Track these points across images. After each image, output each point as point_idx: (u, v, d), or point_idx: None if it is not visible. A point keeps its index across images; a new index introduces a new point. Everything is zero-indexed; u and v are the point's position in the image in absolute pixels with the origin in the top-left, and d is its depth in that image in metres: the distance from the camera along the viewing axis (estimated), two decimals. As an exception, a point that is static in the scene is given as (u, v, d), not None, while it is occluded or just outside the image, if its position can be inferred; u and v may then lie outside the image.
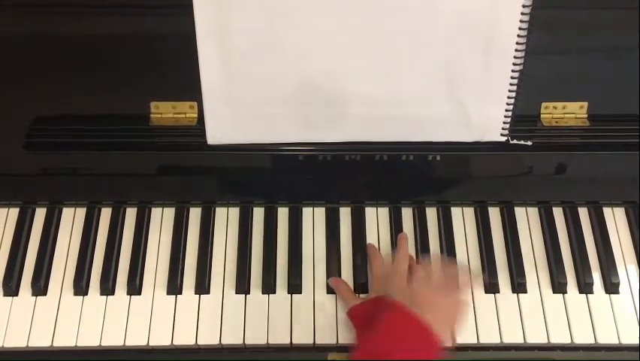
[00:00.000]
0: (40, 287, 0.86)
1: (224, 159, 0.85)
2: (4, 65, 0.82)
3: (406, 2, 0.73)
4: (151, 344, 0.83)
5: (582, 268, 0.88)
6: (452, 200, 0.93)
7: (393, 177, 0.88)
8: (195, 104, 0.84)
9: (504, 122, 0.81)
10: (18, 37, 0.80)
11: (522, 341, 0.83)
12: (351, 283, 0.87)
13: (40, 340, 0.83)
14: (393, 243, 0.90)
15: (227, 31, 0.75)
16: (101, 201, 0.92)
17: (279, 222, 0.92)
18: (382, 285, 0.82)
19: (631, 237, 0.91)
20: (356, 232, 0.91)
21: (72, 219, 0.92)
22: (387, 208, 0.93)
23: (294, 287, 0.86)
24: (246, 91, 0.79)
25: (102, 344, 0.83)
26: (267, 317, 0.84)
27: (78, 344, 0.82)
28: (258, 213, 0.92)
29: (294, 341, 0.83)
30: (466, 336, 0.83)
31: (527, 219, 0.92)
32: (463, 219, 0.92)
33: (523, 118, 0.83)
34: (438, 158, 0.85)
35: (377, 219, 0.92)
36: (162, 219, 0.92)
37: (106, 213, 0.92)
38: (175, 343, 0.83)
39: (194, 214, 0.92)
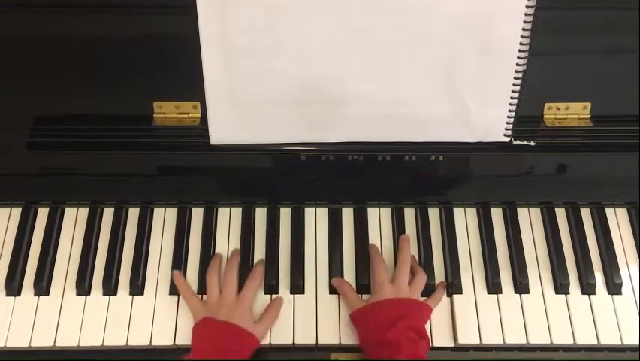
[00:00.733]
0: (42, 287, 0.86)
1: (227, 159, 0.85)
2: (8, 64, 0.82)
3: (406, 2, 0.73)
4: (153, 343, 0.83)
5: (584, 268, 0.88)
6: (455, 200, 0.93)
7: (395, 177, 0.88)
8: (198, 104, 0.84)
9: (507, 123, 0.81)
10: (22, 37, 0.80)
11: (524, 342, 0.83)
12: (353, 284, 0.87)
13: (43, 340, 0.83)
14: (396, 243, 0.90)
15: (230, 31, 0.75)
16: (104, 201, 0.92)
17: (282, 223, 0.92)
18: (384, 291, 0.82)
19: (633, 237, 0.91)
20: (358, 233, 0.91)
21: (74, 219, 0.92)
22: (390, 209, 0.93)
23: (297, 287, 0.86)
24: (249, 91, 0.79)
25: (105, 344, 0.83)
26: (269, 317, 0.84)
27: (80, 344, 0.83)
28: (261, 213, 0.92)
29: (296, 341, 0.83)
30: (468, 337, 0.83)
31: (530, 219, 0.92)
32: (465, 219, 0.92)
33: (526, 118, 0.83)
34: (440, 158, 0.85)
35: (379, 219, 0.92)
36: (165, 219, 0.92)
37: (108, 213, 0.92)
38: (177, 343, 0.83)
39: (197, 214, 0.92)
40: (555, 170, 0.88)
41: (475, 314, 0.85)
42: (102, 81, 0.83)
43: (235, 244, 0.90)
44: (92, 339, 0.83)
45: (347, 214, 0.93)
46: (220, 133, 0.82)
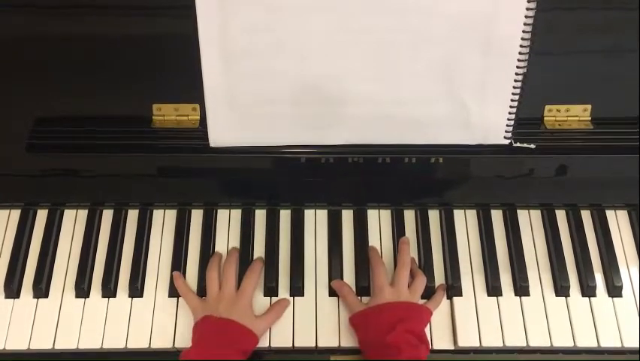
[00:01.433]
0: (41, 289, 0.86)
1: (227, 161, 0.84)
2: (7, 66, 0.82)
3: (406, 2, 0.73)
4: (153, 346, 0.82)
5: (585, 271, 0.87)
6: (455, 202, 0.92)
7: (395, 179, 0.88)
8: (198, 106, 0.84)
9: (507, 125, 0.81)
10: (21, 38, 0.80)
11: (524, 344, 0.83)
12: (353, 286, 0.86)
13: (42, 342, 0.83)
14: (396, 246, 0.90)
15: (230, 32, 0.75)
16: (103, 203, 0.92)
17: (281, 224, 0.92)
18: (384, 294, 0.82)
19: (634, 239, 0.91)
20: (358, 235, 0.91)
21: (74, 221, 0.92)
22: (390, 211, 0.93)
23: (296, 289, 0.86)
24: (249, 92, 0.79)
25: (104, 347, 0.82)
26: (269, 320, 0.84)
27: (80, 347, 0.82)
28: (260, 215, 0.92)
29: (296, 343, 0.83)
30: (468, 339, 0.83)
31: (530, 221, 0.92)
32: (465, 221, 0.92)
33: (526, 121, 0.83)
34: (440, 160, 0.85)
35: (379, 221, 0.92)
36: (164, 221, 0.92)
37: (107, 215, 0.92)
38: (177, 345, 0.83)
39: (196, 216, 0.92)
40: (555, 172, 0.88)
41: (475, 317, 0.85)
42: (101, 83, 0.83)
43: (235, 245, 0.90)
44: (91, 341, 0.83)
45: (347, 216, 0.92)
46: (219, 135, 0.82)
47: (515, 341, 0.83)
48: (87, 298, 0.86)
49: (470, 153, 0.83)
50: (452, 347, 0.84)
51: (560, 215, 0.93)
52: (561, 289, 0.86)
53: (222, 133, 0.82)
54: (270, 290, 0.86)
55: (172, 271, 0.87)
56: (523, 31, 0.74)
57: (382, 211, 0.93)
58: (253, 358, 0.80)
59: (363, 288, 0.86)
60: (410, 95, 0.79)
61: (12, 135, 0.85)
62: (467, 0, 0.73)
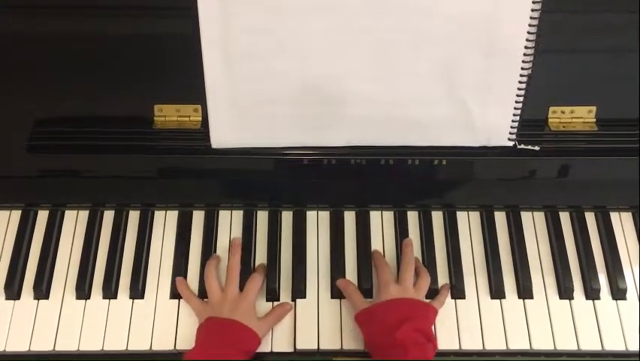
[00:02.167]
0: (42, 291, 0.85)
1: (228, 162, 0.84)
2: (8, 67, 0.82)
3: (406, 2, 0.73)
4: (154, 348, 0.82)
5: (589, 273, 0.87)
6: (458, 204, 0.92)
7: (398, 181, 0.88)
8: (199, 107, 0.83)
9: (511, 127, 0.81)
10: (21, 39, 0.80)
11: (528, 348, 0.82)
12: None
13: (43, 344, 0.82)
14: (398, 247, 0.90)
15: (231, 33, 0.75)
16: (104, 204, 0.92)
17: (283, 226, 0.91)
18: (389, 290, 0.82)
19: (638, 242, 0.91)
20: (361, 237, 0.90)
21: (74, 222, 0.91)
22: (393, 212, 0.92)
23: (298, 291, 0.86)
24: (250, 93, 0.79)
25: (105, 348, 0.82)
26: (270, 322, 0.84)
27: (80, 348, 0.82)
28: (262, 217, 0.92)
29: (298, 346, 0.82)
30: (471, 342, 0.82)
31: (534, 223, 0.92)
32: (468, 223, 0.92)
33: (530, 122, 0.82)
34: (444, 162, 0.84)
35: (382, 223, 0.92)
36: (165, 222, 0.91)
37: (109, 216, 0.92)
38: (178, 347, 0.82)
39: (198, 218, 0.92)
40: (559, 174, 0.87)
41: (478, 319, 0.84)
42: (102, 84, 0.83)
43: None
44: (91, 343, 0.82)
45: (349, 218, 0.92)
46: (221, 136, 0.81)
47: (518, 343, 0.83)
48: (88, 300, 0.85)
49: (474, 155, 0.83)
50: (456, 349, 0.83)
51: (564, 217, 0.92)
52: (565, 291, 0.86)
53: (224, 134, 0.81)
54: (272, 292, 0.86)
55: (173, 272, 0.87)
56: (528, 32, 0.74)
57: (385, 213, 0.92)
58: (255, 360, 0.80)
59: (366, 290, 0.86)
60: (411, 96, 0.79)
61: (13, 136, 0.84)
62: (469, 1, 0.73)
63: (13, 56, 0.81)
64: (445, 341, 0.83)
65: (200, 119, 0.84)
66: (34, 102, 0.84)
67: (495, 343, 0.83)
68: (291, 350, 0.82)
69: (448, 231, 0.90)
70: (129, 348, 0.82)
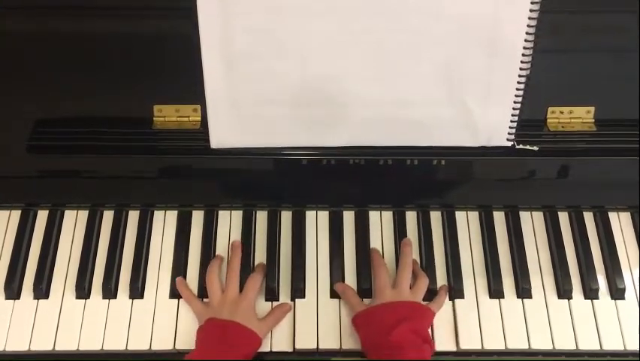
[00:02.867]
0: (42, 290, 0.85)
1: (228, 162, 0.84)
2: (8, 67, 0.82)
3: (407, 4, 0.73)
4: (153, 348, 0.82)
5: (587, 273, 0.87)
6: (457, 204, 0.92)
7: (397, 181, 0.88)
8: (199, 107, 0.83)
9: (510, 127, 0.81)
10: (21, 39, 0.80)
11: (526, 347, 0.83)
12: (354, 288, 0.86)
13: (42, 343, 0.82)
14: (397, 247, 0.90)
15: (230, 34, 0.74)
16: (104, 204, 0.92)
17: (282, 226, 0.91)
18: (385, 295, 0.82)
19: (637, 242, 0.91)
20: (360, 236, 0.90)
21: (74, 221, 0.91)
22: (392, 212, 0.93)
23: (298, 291, 0.86)
24: (250, 94, 0.79)
25: (104, 348, 0.82)
26: (270, 322, 0.84)
27: (80, 348, 0.82)
28: (261, 217, 0.92)
29: (297, 346, 0.82)
30: (470, 342, 0.83)
31: (532, 223, 0.92)
32: (467, 223, 0.92)
33: (529, 123, 0.83)
34: (443, 162, 0.84)
35: (381, 223, 0.92)
36: (165, 222, 0.91)
37: (108, 216, 0.92)
38: (177, 347, 0.82)
39: (197, 218, 0.92)
40: (558, 174, 0.87)
41: (477, 319, 0.84)
42: (102, 84, 0.83)
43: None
44: (91, 343, 0.82)
45: (348, 218, 0.92)
46: (220, 137, 0.81)
47: (517, 343, 0.83)
48: (88, 300, 0.86)
49: (473, 155, 0.83)
50: (454, 349, 0.83)
51: (563, 217, 0.92)
52: (563, 291, 0.86)
53: (223, 134, 0.81)
54: (271, 292, 0.86)
55: (173, 272, 0.87)
56: (527, 33, 0.74)
57: (384, 213, 0.93)
58: (255, 360, 0.80)
59: (365, 290, 0.86)
60: (412, 97, 0.79)
61: (13, 136, 0.84)
62: (469, 1, 0.73)
63: (13, 56, 0.81)
64: (444, 341, 0.83)
65: (199, 119, 0.84)
66: (33, 102, 0.84)
67: (494, 343, 0.83)
68: (290, 349, 0.82)
69: (447, 231, 0.90)
70: (129, 348, 0.82)
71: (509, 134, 0.81)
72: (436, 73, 0.77)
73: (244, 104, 0.79)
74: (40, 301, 0.85)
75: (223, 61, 0.76)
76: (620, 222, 0.92)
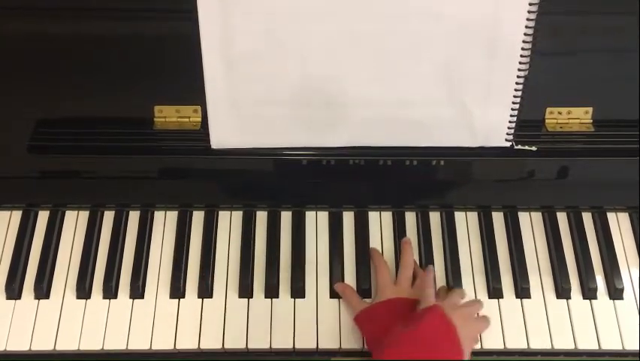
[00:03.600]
0: (42, 290, 0.86)
1: (228, 163, 0.84)
2: (9, 67, 0.82)
3: (407, 5, 0.73)
4: (154, 348, 0.82)
5: (586, 273, 0.87)
6: (456, 205, 0.92)
7: (396, 181, 0.88)
8: (199, 107, 0.84)
9: (508, 128, 0.81)
10: (22, 39, 0.80)
11: (525, 347, 0.83)
12: (354, 288, 0.86)
13: (43, 343, 0.82)
14: (397, 247, 0.90)
15: (231, 35, 0.75)
16: (104, 205, 0.92)
17: (282, 226, 0.91)
18: (386, 293, 0.82)
19: (635, 242, 0.91)
20: (359, 237, 0.91)
21: (75, 222, 0.92)
22: (391, 213, 0.93)
23: (297, 291, 0.86)
24: (250, 94, 0.79)
25: (105, 348, 0.82)
26: (269, 321, 0.84)
27: (81, 348, 0.82)
28: (261, 217, 0.92)
29: (297, 346, 0.83)
30: (469, 341, 0.83)
31: (531, 224, 0.92)
32: (466, 224, 0.92)
33: (527, 123, 0.83)
34: (442, 163, 0.85)
35: (380, 223, 0.92)
36: (165, 222, 0.92)
37: (109, 217, 0.92)
38: (178, 347, 0.82)
39: (197, 218, 0.92)
40: (557, 174, 0.88)
41: (476, 319, 0.84)
42: (102, 85, 0.83)
43: (236, 247, 0.90)
44: (92, 343, 0.83)
45: (348, 218, 0.92)
46: (221, 137, 0.82)
47: (516, 343, 0.83)
48: (88, 300, 0.86)
49: (471, 155, 0.83)
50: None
51: (561, 217, 0.93)
52: (562, 291, 0.86)
53: (224, 135, 0.82)
54: (270, 291, 0.86)
55: (173, 272, 0.87)
56: (525, 34, 0.74)
57: (383, 213, 0.93)
58: (254, 360, 0.80)
59: (365, 290, 0.86)
60: (411, 98, 0.79)
61: (13, 136, 0.85)
62: (468, 3, 0.73)
63: (13, 56, 0.81)
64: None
65: (199, 119, 0.84)
66: (34, 103, 0.84)
67: (493, 342, 0.83)
68: (290, 347, 0.82)
69: (446, 231, 0.91)
70: (129, 348, 0.82)
71: (508, 134, 0.82)
72: (436, 73, 0.78)
73: (244, 104, 0.80)
74: (41, 301, 0.85)
75: (223, 61, 0.76)
76: (619, 223, 0.92)
